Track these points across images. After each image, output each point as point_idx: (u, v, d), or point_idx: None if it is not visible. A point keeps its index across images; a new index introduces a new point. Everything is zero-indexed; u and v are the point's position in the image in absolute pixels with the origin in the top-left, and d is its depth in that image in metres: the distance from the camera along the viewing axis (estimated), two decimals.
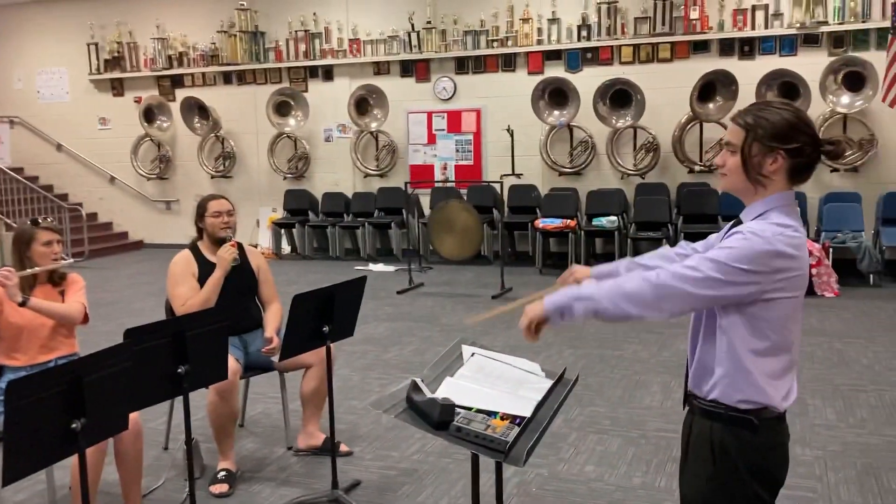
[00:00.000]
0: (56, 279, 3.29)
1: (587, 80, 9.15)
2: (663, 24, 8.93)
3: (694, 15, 8.81)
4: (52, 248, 3.21)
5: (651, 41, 9.08)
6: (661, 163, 9.13)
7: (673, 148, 9.05)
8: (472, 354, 2.49)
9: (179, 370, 2.77)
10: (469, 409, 2.18)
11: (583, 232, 8.91)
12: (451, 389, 2.27)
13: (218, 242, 3.74)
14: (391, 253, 10.10)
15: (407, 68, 10.23)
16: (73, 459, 2.80)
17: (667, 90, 8.95)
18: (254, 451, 4.01)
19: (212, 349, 2.94)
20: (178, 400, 2.84)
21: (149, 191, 11.78)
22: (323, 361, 3.65)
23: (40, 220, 3.24)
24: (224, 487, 3.50)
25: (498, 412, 2.18)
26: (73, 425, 2.25)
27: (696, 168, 8.99)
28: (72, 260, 3.22)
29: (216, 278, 3.61)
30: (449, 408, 2.13)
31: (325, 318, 3.28)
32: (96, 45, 11.60)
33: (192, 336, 2.80)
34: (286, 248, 10.66)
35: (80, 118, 11.88)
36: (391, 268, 9.37)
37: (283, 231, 10.67)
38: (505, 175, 9.22)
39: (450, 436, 2.10)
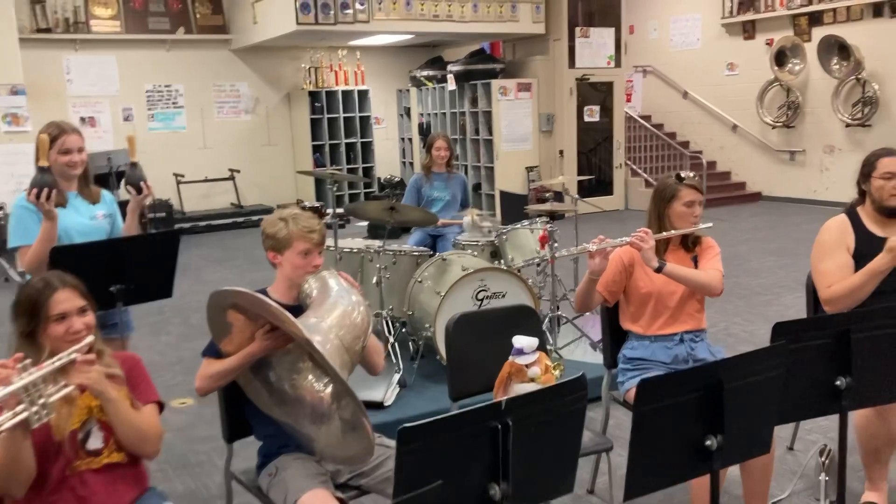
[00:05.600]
0: (689, 243, 2.89)
1: None
2: None
3: None
4: (694, 210, 2.78)
5: None
6: None
7: None
8: None
9: (838, 383, 2.13)
10: None
11: None
12: None
13: (886, 213, 2.88)
14: None
15: None
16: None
17: None
18: None
19: (885, 360, 2.21)
20: None
21: (772, 140, 11.02)
22: None
23: (684, 176, 2.82)
24: None
25: None
26: (708, 442, 1.81)
27: None
28: (710, 224, 2.73)
29: (876, 269, 2.73)
30: None
31: None
32: None
33: (857, 339, 2.13)
34: None
35: (707, 64, 11.66)
36: None
37: None
38: None
39: None
